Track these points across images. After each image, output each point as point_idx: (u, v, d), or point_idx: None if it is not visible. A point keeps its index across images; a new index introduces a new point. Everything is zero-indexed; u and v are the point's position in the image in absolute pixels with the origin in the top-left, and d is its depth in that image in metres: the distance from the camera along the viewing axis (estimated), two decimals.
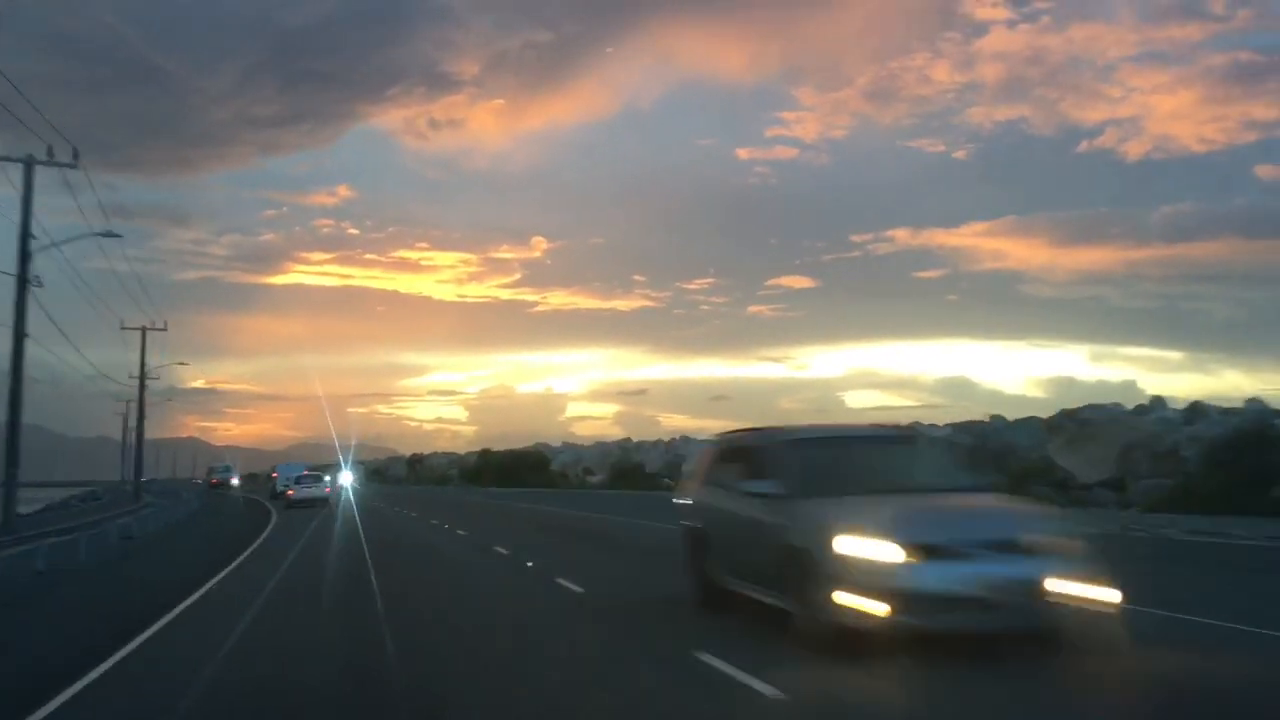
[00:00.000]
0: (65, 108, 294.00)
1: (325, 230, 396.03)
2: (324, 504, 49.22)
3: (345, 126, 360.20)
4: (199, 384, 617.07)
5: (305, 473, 59.42)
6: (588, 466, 79.46)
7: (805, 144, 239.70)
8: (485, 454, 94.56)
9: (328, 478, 56.72)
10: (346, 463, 78.27)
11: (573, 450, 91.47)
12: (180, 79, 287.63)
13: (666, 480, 60.68)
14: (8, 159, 29.35)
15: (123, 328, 60.90)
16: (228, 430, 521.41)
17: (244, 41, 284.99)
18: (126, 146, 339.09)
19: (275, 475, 74.14)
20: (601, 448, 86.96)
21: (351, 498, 54.38)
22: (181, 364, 74.97)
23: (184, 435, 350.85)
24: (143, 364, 67.68)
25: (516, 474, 78.45)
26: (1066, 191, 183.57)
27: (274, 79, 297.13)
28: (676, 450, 71.97)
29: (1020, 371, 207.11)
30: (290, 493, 52.07)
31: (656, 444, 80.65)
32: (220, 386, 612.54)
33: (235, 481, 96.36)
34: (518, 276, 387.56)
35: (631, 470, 66.01)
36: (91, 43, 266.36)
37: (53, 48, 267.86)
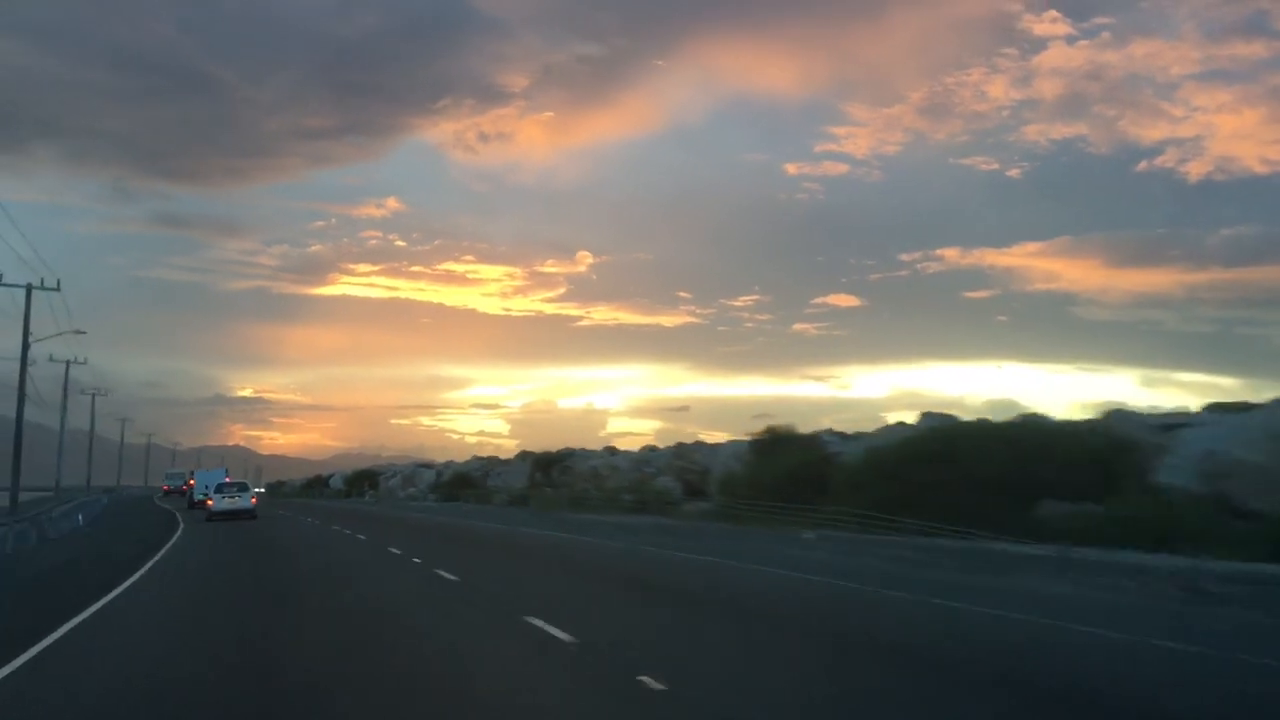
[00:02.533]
0: (120, 116, 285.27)
1: (372, 242, 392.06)
2: (250, 518, 43.25)
3: (395, 139, 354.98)
4: (246, 393, 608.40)
5: (227, 480, 53.04)
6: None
7: (856, 160, 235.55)
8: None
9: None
10: None
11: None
12: (233, 89, 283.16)
13: None
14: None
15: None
16: (273, 439, 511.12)
17: (297, 53, 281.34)
18: (180, 156, 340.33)
19: (192, 482, 67.77)
20: None
21: None
22: (79, 332, 55.84)
23: (231, 443, 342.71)
24: (26, 329, 48.58)
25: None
26: (1123, 212, 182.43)
27: (325, 91, 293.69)
28: None
29: (1069, 395, 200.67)
30: (209, 502, 46.83)
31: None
32: (267, 395, 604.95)
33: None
34: (562, 291, 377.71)
35: None
36: (147, 52, 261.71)
37: (108, 57, 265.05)
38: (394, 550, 23.87)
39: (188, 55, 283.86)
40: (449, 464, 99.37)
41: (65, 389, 73.00)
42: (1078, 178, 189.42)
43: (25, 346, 47.97)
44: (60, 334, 53.50)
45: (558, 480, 57.34)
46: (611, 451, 57.65)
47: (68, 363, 71.65)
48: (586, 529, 33.50)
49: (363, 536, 30.30)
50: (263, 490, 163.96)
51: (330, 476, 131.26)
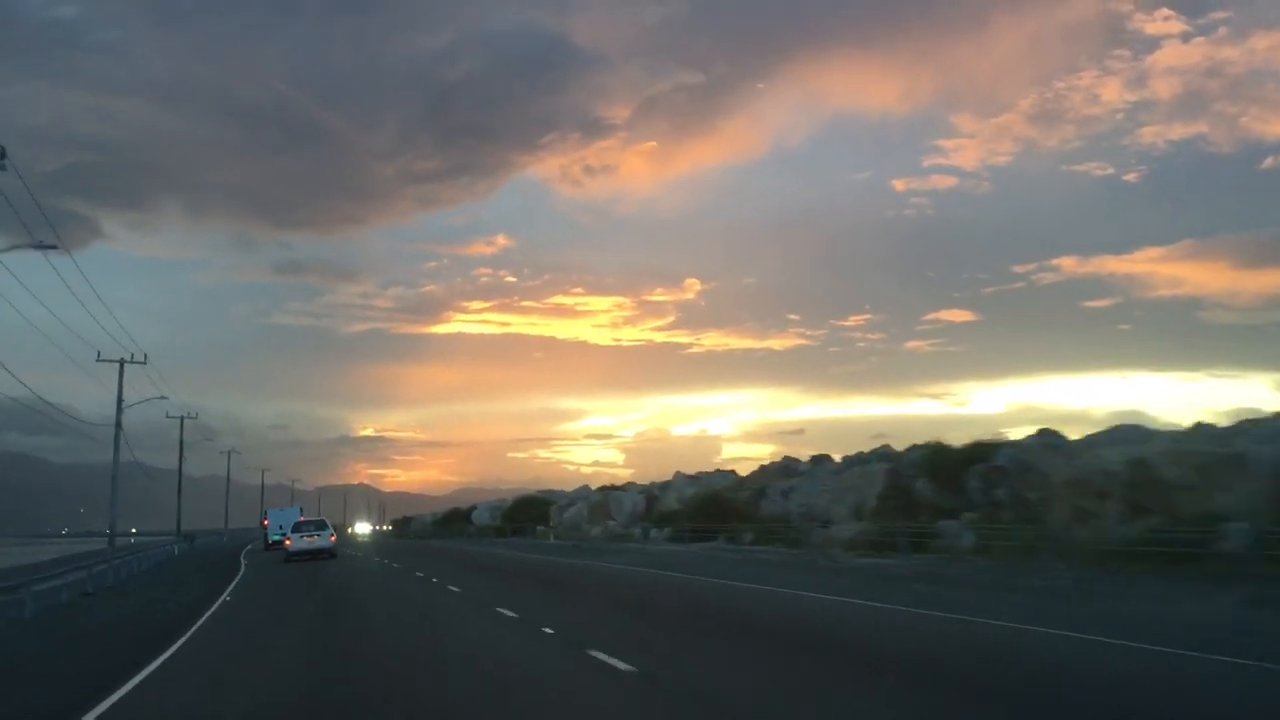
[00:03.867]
0: (239, 169, 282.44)
1: (484, 279, 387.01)
2: (329, 557, 41.44)
3: (502, 177, 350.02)
4: (368, 432, 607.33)
5: (302, 519, 53.44)
6: None
7: (965, 172, 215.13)
8: None
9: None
10: None
11: None
12: (345, 138, 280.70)
13: None
14: None
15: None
16: (395, 477, 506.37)
17: (404, 98, 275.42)
18: (298, 205, 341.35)
19: (267, 523, 67.46)
20: None
21: None
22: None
23: (355, 482, 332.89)
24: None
25: None
26: (1250, 211, 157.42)
27: (433, 134, 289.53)
28: None
29: (1199, 404, 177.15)
30: (288, 542, 45.85)
31: None
32: (388, 434, 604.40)
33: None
34: (672, 319, 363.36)
35: None
36: (262, 105, 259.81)
37: (227, 113, 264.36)
38: None
39: (301, 107, 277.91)
40: (630, 484, 73.57)
41: (119, 396, 49.34)
42: (1199, 178, 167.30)
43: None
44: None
45: (978, 498, 29.65)
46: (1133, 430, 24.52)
47: (121, 361, 48.37)
48: None
49: None
50: (388, 529, 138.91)
51: (472, 510, 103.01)
